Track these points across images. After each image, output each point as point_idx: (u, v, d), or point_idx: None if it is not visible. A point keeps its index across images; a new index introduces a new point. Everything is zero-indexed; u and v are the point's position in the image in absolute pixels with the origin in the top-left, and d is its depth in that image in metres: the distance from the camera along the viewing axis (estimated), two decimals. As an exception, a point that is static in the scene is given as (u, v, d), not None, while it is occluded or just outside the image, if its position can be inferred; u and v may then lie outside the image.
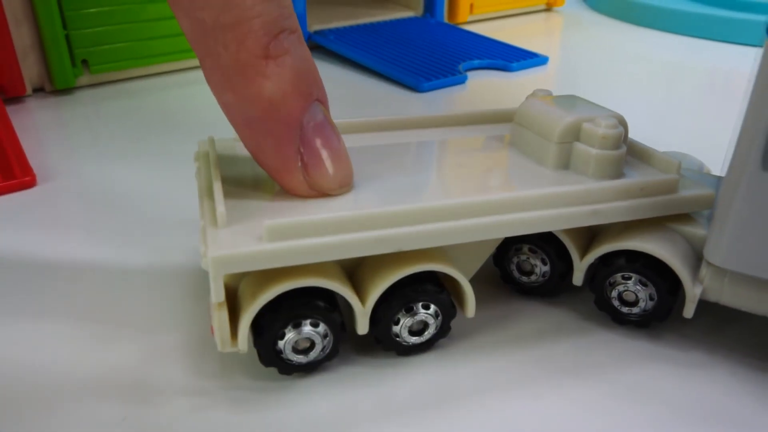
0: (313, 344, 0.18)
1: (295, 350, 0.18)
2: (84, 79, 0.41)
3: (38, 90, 0.40)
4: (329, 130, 0.19)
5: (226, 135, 0.22)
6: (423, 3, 0.53)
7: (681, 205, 0.20)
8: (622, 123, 0.21)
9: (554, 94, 0.23)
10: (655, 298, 0.20)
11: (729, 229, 0.18)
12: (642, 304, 0.20)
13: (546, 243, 0.21)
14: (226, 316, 0.17)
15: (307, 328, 0.18)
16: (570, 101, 0.22)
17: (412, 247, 0.18)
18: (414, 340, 0.19)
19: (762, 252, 0.18)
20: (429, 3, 0.53)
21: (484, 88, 0.42)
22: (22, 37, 0.38)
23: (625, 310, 0.20)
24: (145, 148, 0.33)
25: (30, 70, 0.39)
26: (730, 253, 0.18)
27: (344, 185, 0.19)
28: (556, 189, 0.19)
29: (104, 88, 0.41)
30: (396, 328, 0.19)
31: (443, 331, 0.20)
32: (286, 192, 0.19)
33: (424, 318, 0.19)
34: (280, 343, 0.18)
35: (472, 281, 0.20)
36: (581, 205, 0.19)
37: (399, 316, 0.19)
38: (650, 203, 0.20)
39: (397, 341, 0.19)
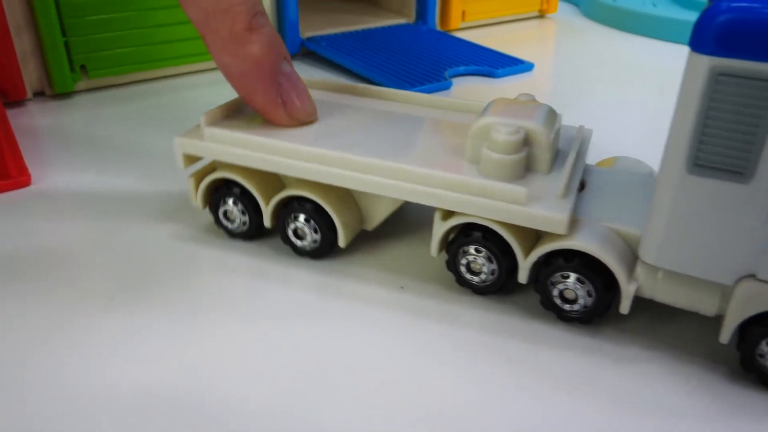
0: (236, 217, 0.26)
1: (227, 218, 0.27)
2: (83, 84, 0.42)
3: (38, 94, 0.42)
4: (295, 78, 0.27)
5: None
6: (415, 10, 0.55)
7: (524, 219, 0.21)
8: (536, 135, 0.22)
9: (537, 100, 0.25)
10: (593, 295, 0.21)
11: (660, 229, 0.19)
12: (582, 301, 0.21)
13: (491, 243, 0.22)
14: (192, 183, 0.27)
15: (230, 204, 0.26)
16: (530, 109, 0.23)
17: (287, 173, 0.24)
18: (298, 243, 0.26)
19: (690, 251, 0.19)
20: (421, 10, 0.54)
21: (469, 94, 0.43)
22: (23, 43, 0.39)
23: (567, 307, 0.22)
24: (141, 151, 0.35)
25: (30, 75, 0.40)
26: (662, 252, 0.20)
27: (311, 114, 0.27)
28: (405, 166, 0.22)
29: (102, 92, 0.43)
30: (288, 230, 0.26)
31: (324, 246, 0.25)
32: (273, 124, 0.26)
33: (301, 226, 0.25)
34: (219, 212, 0.27)
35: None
36: (422, 186, 0.22)
37: (288, 221, 0.25)
38: (490, 206, 0.21)
39: (290, 241, 0.26)
